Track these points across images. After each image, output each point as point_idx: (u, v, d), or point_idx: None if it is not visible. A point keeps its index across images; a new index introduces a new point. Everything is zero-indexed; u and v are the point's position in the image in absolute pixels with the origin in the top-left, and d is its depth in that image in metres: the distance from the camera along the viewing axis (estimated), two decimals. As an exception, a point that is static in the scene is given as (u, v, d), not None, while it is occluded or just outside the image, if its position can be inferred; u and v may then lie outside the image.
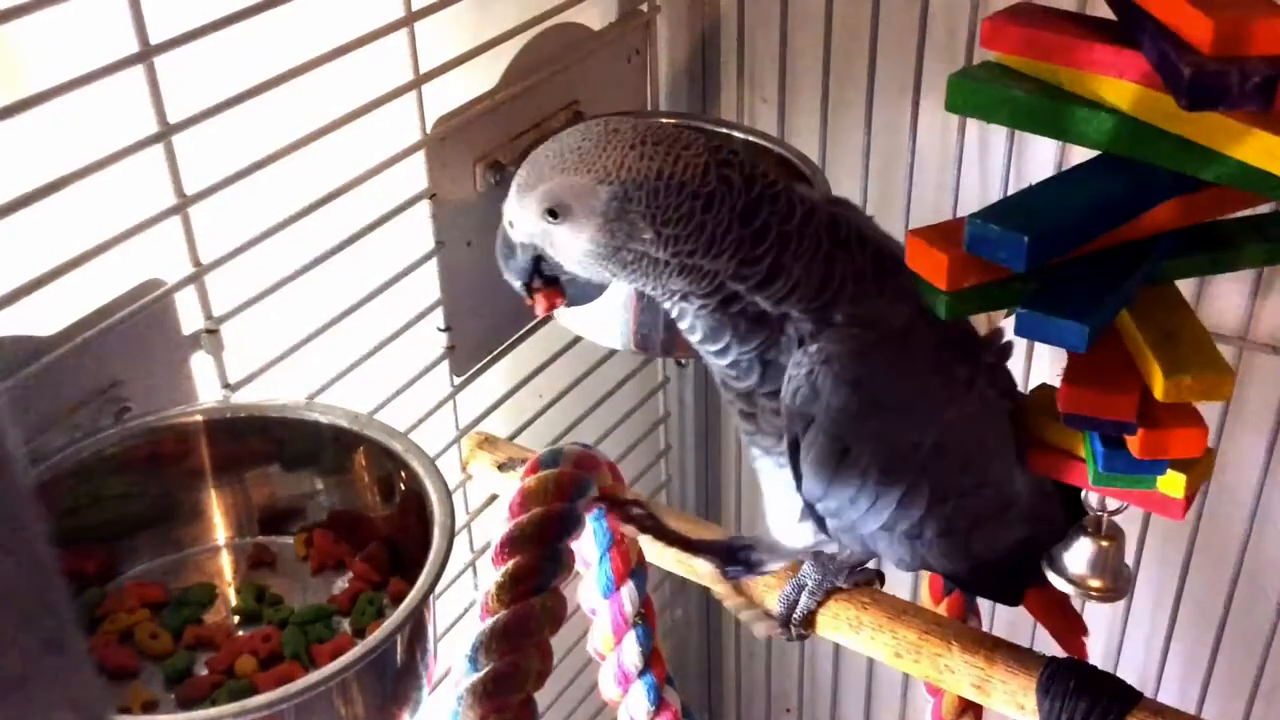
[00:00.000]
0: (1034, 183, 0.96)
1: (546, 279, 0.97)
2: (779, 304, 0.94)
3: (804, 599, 1.16)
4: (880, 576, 1.19)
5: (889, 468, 0.98)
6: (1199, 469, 0.98)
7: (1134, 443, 0.92)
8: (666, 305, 0.97)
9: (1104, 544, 1.07)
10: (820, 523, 1.05)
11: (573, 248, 0.92)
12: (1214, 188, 0.88)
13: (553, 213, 0.91)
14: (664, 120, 1.00)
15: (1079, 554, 1.07)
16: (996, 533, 1.07)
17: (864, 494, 0.99)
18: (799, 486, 1.01)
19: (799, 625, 1.16)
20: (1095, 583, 1.07)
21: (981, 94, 0.92)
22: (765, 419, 1.02)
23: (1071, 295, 0.90)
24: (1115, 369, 0.92)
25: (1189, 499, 1.00)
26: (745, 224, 0.91)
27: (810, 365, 0.95)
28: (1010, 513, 1.06)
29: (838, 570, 1.16)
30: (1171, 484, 0.98)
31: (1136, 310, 0.94)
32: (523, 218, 0.93)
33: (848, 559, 1.15)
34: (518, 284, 0.98)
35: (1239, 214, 0.98)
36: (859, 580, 1.17)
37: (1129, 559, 1.15)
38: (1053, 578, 1.08)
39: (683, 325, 0.98)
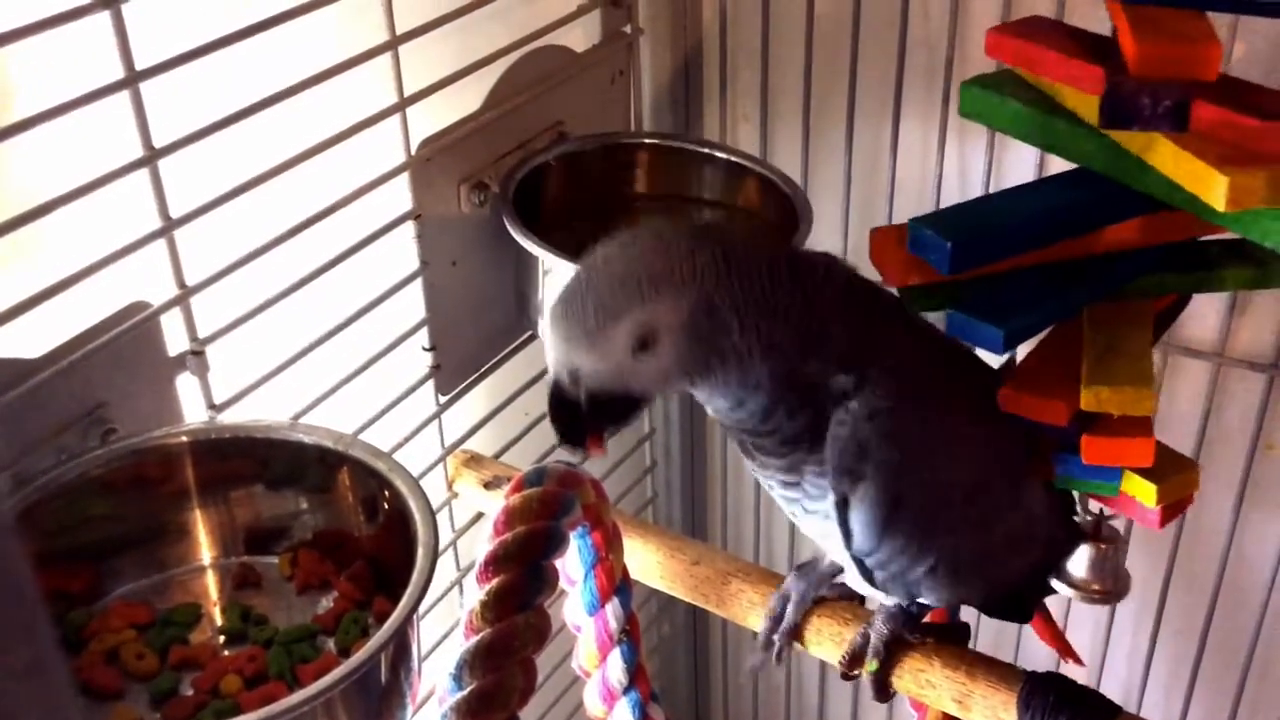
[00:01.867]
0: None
1: (604, 418, 0.90)
2: (825, 364, 0.90)
3: (790, 611, 1.17)
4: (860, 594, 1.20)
5: (937, 512, 0.98)
6: (1175, 482, 0.99)
7: (1082, 449, 0.93)
8: (719, 404, 0.91)
9: (1102, 547, 1.09)
10: (868, 576, 1.03)
11: (659, 371, 0.87)
12: (1179, 210, 0.89)
13: (643, 343, 0.85)
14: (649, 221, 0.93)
15: (1078, 558, 1.09)
16: (1027, 550, 1.08)
17: (913, 542, 0.98)
18: (848, 544, 0.99)
19: (785, 637, 1.17)
20: (1096, 585, 1.09)
21: (987, 101, 0.94)
22: (809, 480, 0.98)
23: (1004, 301, 0.92)
24: (1062, 376, 0.93)
25: (1167, 510, 1.01)
26: (795, 282, 0.87)
27: (854, 423, 0.91)
28: (1034, 530, 1.07)
29: (819, 582, 1.17)
30: (1143, 492, 0.99)
31: (1097, 322, 0.95)
32: (598, 361, 0.85)
33: (829, 569, 1.15)
34: (577, 439, 0.90)
35: (1220, 237, 0.98)
36: (842, 593, 1.18)
37: (1108, 574, 1.17)
38: (1055, 583, 1.10)
39: (736, 415, 0.93)
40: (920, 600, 1.09)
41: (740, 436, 0.97)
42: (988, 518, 1.02)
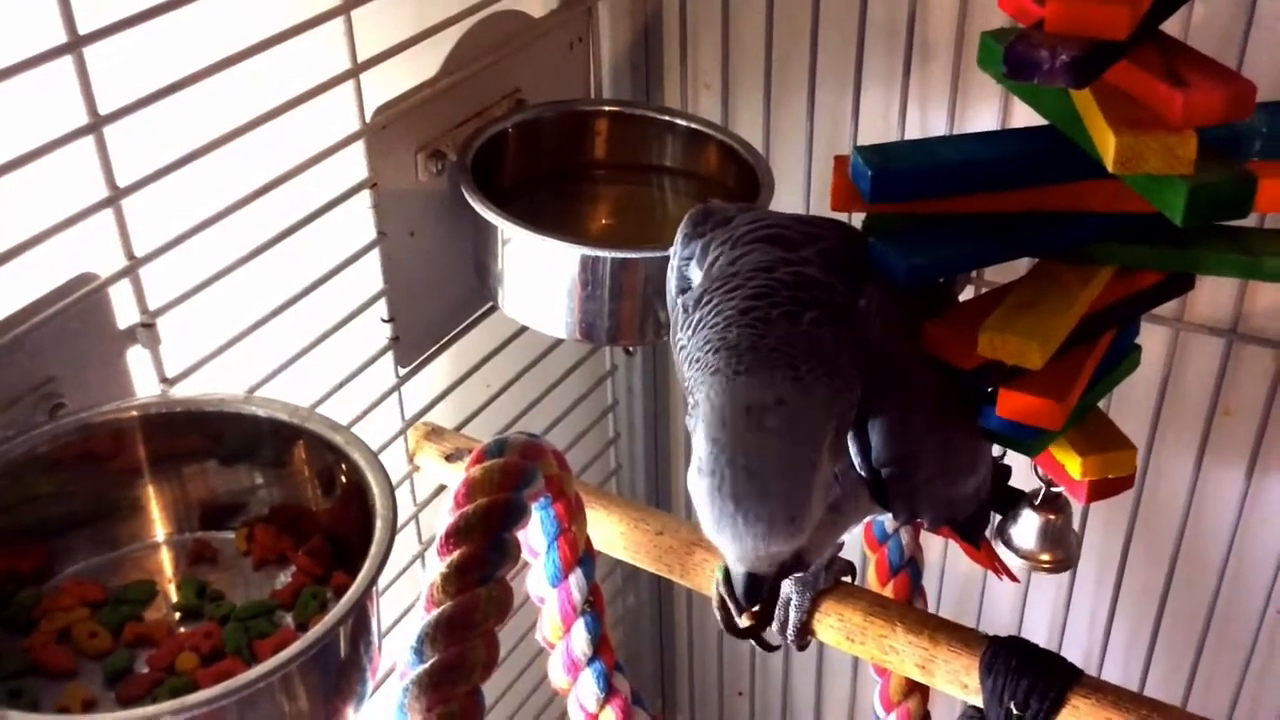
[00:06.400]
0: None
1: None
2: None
3: (792, 615, 1.16)
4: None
5: (942, 404, 0.97)
6: (1106, 458, 0.98)
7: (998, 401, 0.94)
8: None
9: (1051, 518, 1.09)
10: (882, 496, 0.99)
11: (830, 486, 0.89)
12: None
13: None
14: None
15: (1026, 528, 1.10)
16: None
17: (931, 436, 0.96)
18: (867, 461, 0.95)
19: (797, 636, 1.17)
20: (1044, 556, 1.09)
21: (995, 54, 0.93)
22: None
23: (921, 238, 0.93)
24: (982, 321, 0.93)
25: (1097, 486, 1.00)
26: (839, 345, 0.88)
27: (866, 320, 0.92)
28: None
29: (810, 582, 1.16)
30: (1070, 461, 0.99)
31: (1039, 277, 0.95)
32: (805, 533, 0.83)
33: (814, 570, 1.15)
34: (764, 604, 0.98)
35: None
36: (839, 574, 1.17)
37: (1069, 538, 1.17)
38: (1002, 551, 1.10)
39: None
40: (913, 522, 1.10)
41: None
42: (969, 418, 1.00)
